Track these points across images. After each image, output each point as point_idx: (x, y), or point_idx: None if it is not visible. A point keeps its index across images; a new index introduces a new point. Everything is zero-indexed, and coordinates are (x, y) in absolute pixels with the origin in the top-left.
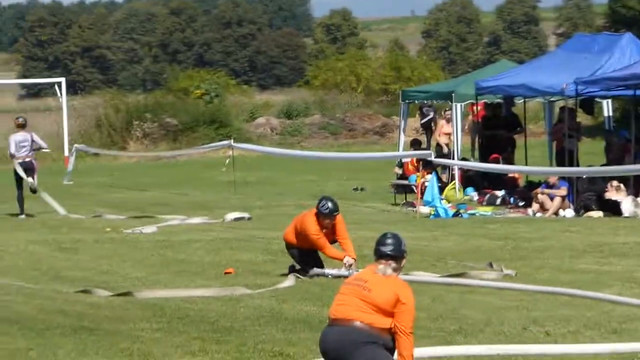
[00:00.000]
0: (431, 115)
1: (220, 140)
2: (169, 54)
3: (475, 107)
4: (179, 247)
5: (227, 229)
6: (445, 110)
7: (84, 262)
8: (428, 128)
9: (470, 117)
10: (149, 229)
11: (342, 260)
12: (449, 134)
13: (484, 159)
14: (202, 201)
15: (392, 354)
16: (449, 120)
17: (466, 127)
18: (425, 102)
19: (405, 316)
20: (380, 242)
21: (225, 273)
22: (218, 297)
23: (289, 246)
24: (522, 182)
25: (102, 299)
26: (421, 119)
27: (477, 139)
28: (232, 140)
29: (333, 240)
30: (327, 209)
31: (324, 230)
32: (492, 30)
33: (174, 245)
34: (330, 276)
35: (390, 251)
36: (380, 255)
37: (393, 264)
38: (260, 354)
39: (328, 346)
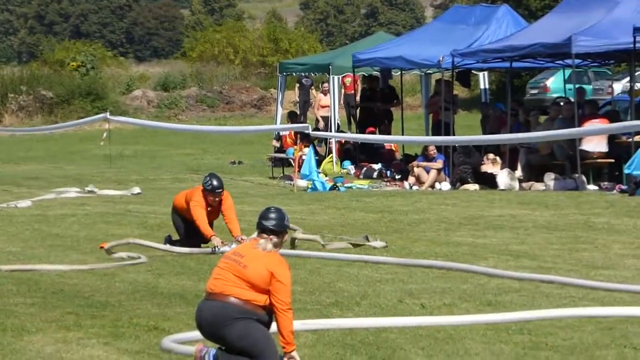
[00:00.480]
0: (310, 82)
1: (97, 113)
2: (45, 25)
3: (345, 80)
4: (53, 222)
5: (102, 203)
6: (323, 83)
7: None
8: (306, 101)
9: (343, 90)
10: (24, 203)
11: (208, 238)
12: (327, 107)
13: (361, 131)
14: (76, 174)
15: (268, 327)
16: (326, 93)
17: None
18: (304, 74)
19: (281, 293)
20: (263, 216)
21: (101, 247)
22: (93, 272)
23: (175, 211)
24: (399, 155)
25: None
26: (300, 92)
27: (351, 112)
28: (108, 113)
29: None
30: (210, 185)
31: (209, 208)
32: (369, 2)
33: (49, 219)
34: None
35: (273, 226)
36: (262, 230)
37: (274, 239)
38: (135, 328)
39: (203, 320)
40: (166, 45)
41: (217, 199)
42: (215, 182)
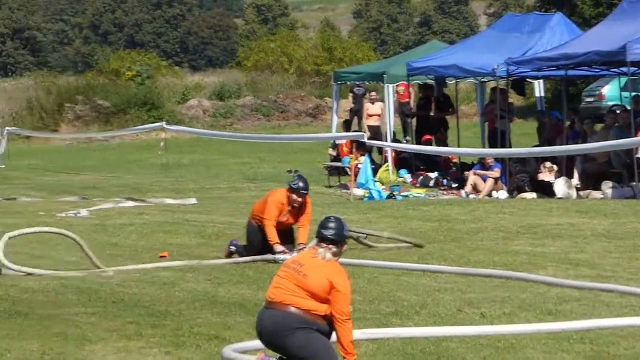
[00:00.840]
0: (362, 91)
1: (153, 122)
2: (99, 35)
3: (398, 88)
4: (112, 231)
5: (160, 212)
6: (370, 92)
7: (16, 246)
8: (359, 110)
9: (396, 98)
10: (84, 212)
11: (271, 244)
12: (377, 115)
13: (417, 140)
14: (134, 184)
15: (329, 337)
16: (373, 102)
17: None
18: (358, 83)
19: (341, 303)
20: (323, 225)
21: (159, 257)
22: (152, 281)
23: (254, 218)
24: (456, 160)
25: (36, 284)
26: (353, 101)
27: (406, 121)
28: (164, 123)
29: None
30: (296, 184)
31: (289, 208)
32: (422, 11)
33: (108, 228)
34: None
35: (332, 235)
36: (321, 239)
37: (333, 249)
38: (196, 338)
39: (263, 329)
40: (220, 55)
41: (299, 199)
42: (301, 183)
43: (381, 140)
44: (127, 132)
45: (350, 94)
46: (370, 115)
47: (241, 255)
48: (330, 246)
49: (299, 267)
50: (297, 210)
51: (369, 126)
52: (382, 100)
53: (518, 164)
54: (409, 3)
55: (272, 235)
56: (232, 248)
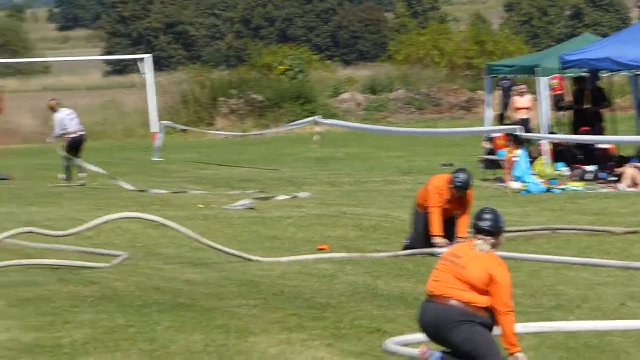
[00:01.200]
0: (509, 84)
1: (306, 116)
2: (251, 29)
3: (552, 82)
4: (270, 224)
5: (317, 205)
6: (518, 85)
7: (177, 239)
8: (507, 103)
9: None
10: (243, 203)
11: (432, 235)
12: (526, 109)
13: (574, 133)
14: (289, 177)
15: (491, 330)
16: (522, 94)
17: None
18: (508, 76)
19: (501, 295)
20: (478, 216)
21: (319, 249)
22: (312, 274)
23: (419, 206)
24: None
25: (197, 276)
26: (502, 94)
27: (561, 113)
28: (320, 117)
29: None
30: (459, 182)
31: (448, 197)
32: (573, 4)
33: (266, 221)
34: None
35: (488, 227)
36: (477, 230)
37: (491, 240)
38: (357, 330)
39: (425, 322)
40: (372, 49)
41: (459, 195)
42: (462, 181)
43: (530, 133)
44: (283, 128)
45: (498, 88)
46: (519, 109)
47: (410, 244)
48: (487, 238)
49: (457, 259)
50: (458, 199)
51: (519, 119)
52: (533, 93)
53: None
54: None
55: (435, 225)
56: (406, 242)
